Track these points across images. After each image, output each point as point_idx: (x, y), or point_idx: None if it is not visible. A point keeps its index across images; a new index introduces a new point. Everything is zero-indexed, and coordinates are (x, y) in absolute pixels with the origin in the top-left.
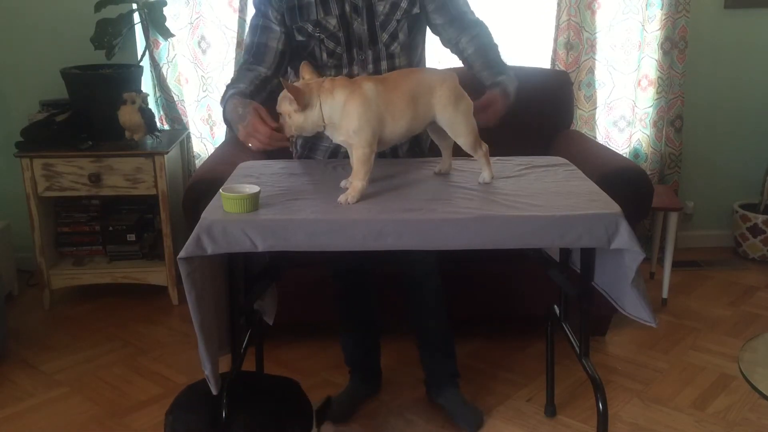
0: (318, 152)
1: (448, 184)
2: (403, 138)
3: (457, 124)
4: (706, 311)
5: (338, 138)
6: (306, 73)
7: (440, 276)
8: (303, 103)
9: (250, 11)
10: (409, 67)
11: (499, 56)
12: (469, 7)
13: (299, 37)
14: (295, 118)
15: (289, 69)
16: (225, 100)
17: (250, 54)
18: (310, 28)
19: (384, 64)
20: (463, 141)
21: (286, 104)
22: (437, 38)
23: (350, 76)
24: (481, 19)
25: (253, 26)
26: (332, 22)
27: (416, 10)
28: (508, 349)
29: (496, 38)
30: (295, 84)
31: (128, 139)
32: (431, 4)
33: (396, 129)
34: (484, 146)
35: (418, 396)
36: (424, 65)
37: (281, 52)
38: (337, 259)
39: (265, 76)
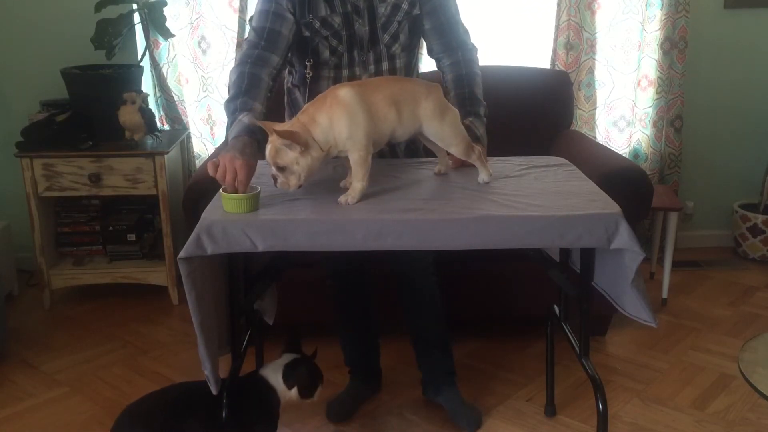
0: None
1: (447, 184)
2: (387, 140)
3: (445, 135)
4: (706, 311)
5: (335, 151)
6: (274, 125)
7: (436, 274)
8: (303, 141)
9: (250, 11)
10: (407, 68)
11: (474, 89)
12: (461, 24)
13: (305, 33)
14: (302, 162)
15: (295, 62)
16: (235, 117)
17: (262, 38)
18: (317, 24)
19: (385, 65)
20: (455, 150)
21: (287, 154)
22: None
23: (351, 76)
24: (470, 40)
25: (263, 11)
26: (337, 20)
27: (416, 11)
28: (508, 349)
29: (491, 47)
30: (284, 130)
31: (128, 139)
32: (426, 5)
33: (381, 130)
34: (477, 149)
35: (418, 396)
36: (418, 65)
37: (289, 44)
38: (336, 259)
39: (278, 70)
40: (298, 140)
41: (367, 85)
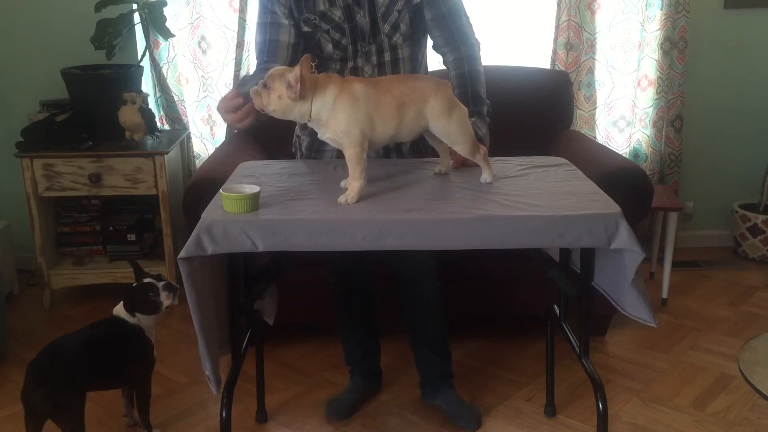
0: (324, 156)
1: (448, 184)
2: (389, 142)
3: (452, 133)
4: (706, 311)
5: (325, 135)
6: (305, 68)
7: (437, 279)
8: (303, 93)
9: (250, 11)
10: (412, 60)
11: (478, 88)
12: (464, 17)
13: (305, 28)
14: (284, 102)
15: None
16: None
17: (264, 53)
18: (315, 19)
19: (387, 56)
20: (461, 148)
21: (281, 85)
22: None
23: (355, 68)
24: (474, 36)
25: (261, 25)
26: (337, 13)
27: (416, 0)
28: (508, 349)
29: (494, 40)
30: (303, 74)
31: (128, 139)
32: None
33: (383, 132)
34: (482, 149)
35: (418, 396)
36: (425, 59)
37: (294, 45)
38: (338, 260)
39: None
40: (303, 89)
41: (379, 85)
